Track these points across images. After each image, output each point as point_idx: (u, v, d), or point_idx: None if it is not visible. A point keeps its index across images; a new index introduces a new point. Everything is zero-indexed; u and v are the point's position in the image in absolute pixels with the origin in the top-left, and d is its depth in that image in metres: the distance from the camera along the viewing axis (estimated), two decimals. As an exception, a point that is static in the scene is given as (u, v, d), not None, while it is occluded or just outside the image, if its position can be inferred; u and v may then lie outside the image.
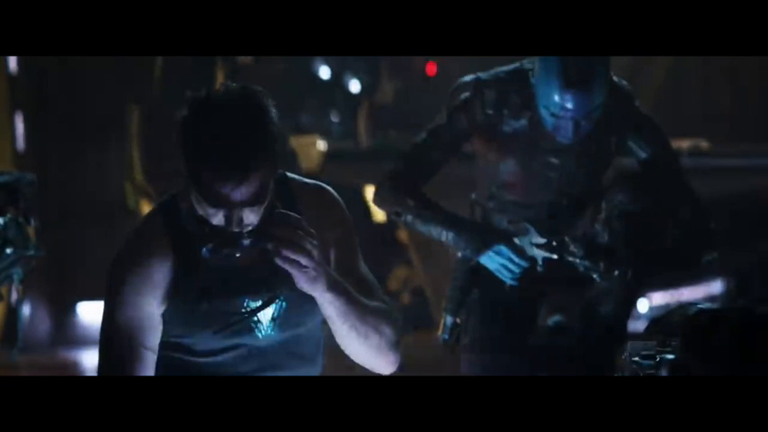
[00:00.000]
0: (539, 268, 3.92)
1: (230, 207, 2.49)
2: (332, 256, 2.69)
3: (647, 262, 3.95)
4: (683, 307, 2.49)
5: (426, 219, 3.95)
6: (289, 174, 2.74)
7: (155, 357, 2.64)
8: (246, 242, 2.52)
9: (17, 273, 3.63)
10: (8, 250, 3.59)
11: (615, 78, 3.94)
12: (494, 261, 3.92)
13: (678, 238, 3.99)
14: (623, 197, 3.94)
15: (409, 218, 3.97)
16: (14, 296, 3.72)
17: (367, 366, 2.70)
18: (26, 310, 7.64)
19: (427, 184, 4.00)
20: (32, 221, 3.63)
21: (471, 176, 4.11)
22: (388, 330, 2.64)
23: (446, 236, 3.95)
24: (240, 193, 2.47)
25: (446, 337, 4.06)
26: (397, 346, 2.67)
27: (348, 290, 2.58)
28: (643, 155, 4.04)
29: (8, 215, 3.59)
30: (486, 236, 3.94)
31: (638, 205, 3.95)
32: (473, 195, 4.12)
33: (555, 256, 3.90)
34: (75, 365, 8.24)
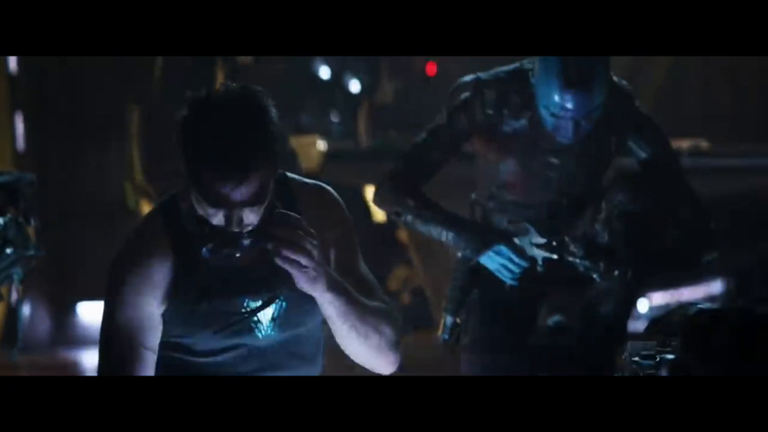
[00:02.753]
0: (539, 268, 3.92)
1: (230, 207, 2.49)
2: (332, 256, 2.69)
3: (647, 262, 3.95)
4: (683, 307, 2.49)
5: (426, 219, 3.95)
6: (289, 174, 2.74)
7: (155, 357, 2.64)
8: (246, 242, 2.52)
9: (17, 273, 3.63)
10: (8, 250, 3.59)
11: (615, 78, 3.94)
12: (494, 261, 3.92)
13: (678, 238, 3.99)
14: (623, 197, 3.95)
15: (409, 218, 3.97)
16: (14, 296, 3.73)
17: (367, 366, 2.70)
18: (26, 310, 7.64)
19: (427, 184, 4.00)
20: (32, 221, 3.63)
21: (471, 176, 4.11)
22: (388, 330, 2.64)
23: (446, 236, 3.95)
24: (240, 193, 2.47)
25: (446, 337, 4.06)
26: (397, 346, 2.67)
27: (348, 290, 2.58)
28: (643, 155, 4.04)
29: (8, 215, 3.60)
30: (486, 236, 3.94)
31: (638, 205, 3.95)
32: (473, 195, 4.12)
33: (555, 256, 3.90)
34: (75, 365, 8.24)
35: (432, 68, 10.58)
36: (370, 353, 2.65)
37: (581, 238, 3.94)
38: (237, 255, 2.54)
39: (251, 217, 2.51)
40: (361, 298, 2.61)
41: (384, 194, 4.00)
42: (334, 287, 2.54)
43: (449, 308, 4.07)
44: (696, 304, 2.48)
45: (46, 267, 7.91)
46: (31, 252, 3.64)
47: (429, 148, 3.96)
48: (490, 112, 3.90)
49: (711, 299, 7.05)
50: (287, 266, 2.49)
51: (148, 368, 2.63)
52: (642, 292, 5.84)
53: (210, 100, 2.50)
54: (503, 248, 3.91)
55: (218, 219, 2.52)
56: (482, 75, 3.93)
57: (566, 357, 4.02)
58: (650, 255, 3.95)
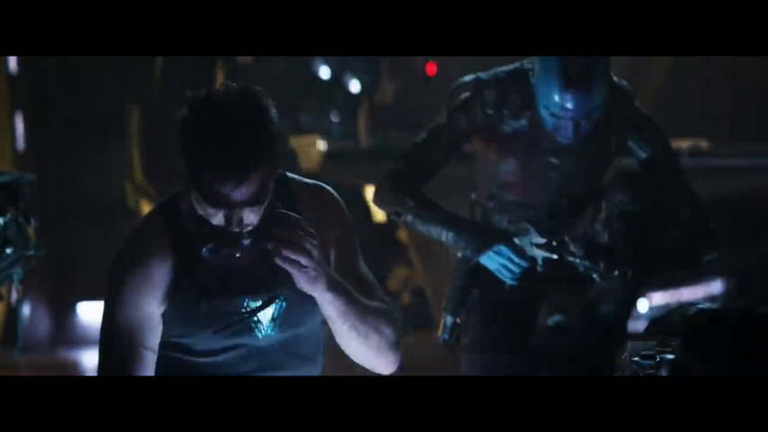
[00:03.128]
0: (539, 268, 3.92)
1: (230, 207, 2.49)
2: (332, 257, 2.69)
3: (647, 262, 3.95)
4: (683, 307, 2.49)
5: (426, 219, 3.95)
6: (289, 174, 2.74)
7: (155, 357, 2.64)
8: (246, 242, 2.52)
9: (17, 273, 3.63)
10: (8, 250, 3.59)
11: (615, 78, 3.94)
12: (494, 261, 3.92)
13: (678, 238, 3.99)
14: (623, 197, 3.95)
15: (409, 218, 3.97)
16: (14, 296, 3.72)
17: (367, 366, 2.70)
18: (26, 310, 7.63)
19: (427, 184, 4.00)
20: (32, 221, 3.63)
21: (471, 176, 4.11)
22: (388, 330, 2.65)
23: (446, 236, 3.95)
24: (240, 193, 2.47)
25: (446, 337, 4.06)
26: (397, 345, 2.67)
27: (348, 290, 2.58)
28: (643, 155, 4.04)
29: (8, 215, 3.59)
30: (487, 236, 3.94)
31: (638, 205, 3.95)
32: (473, 195, 4.12)
33: (555, 257, 3.90)
34: (75, 365, 8.24)
35: (432, 68, 10.58)
36: (370, 353, 2.65)
37: (581, 238, 3.94)
38: (237, 255, 2.54)
39: (251, 217, 2.51)
40: (361, 298, 2.61)
41: (384, 194, 4.00)
42: (334, 287, 2.54)
43: (449, 308, 4.07)
44: (696, 304, 2.48)
45: (46, 267, 7.91)
46: (31, 252, 3.64)
47: (429, 148, 3.96)
48: (490, 112, 3.90)
49: (711, 299, 7.05)
50: (287, 266, 2.49)
51: (148, 368, 2.63)
52: (642, 292, 5.85)
53: (210, 100, 2.50)
54: (503, 248, 3.91)
55: (218, 219, 2.52)
56: (482, 75, 3.93)
57: (566, 357, 4.02)
58: (650, 255, 3.95)
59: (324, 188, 2.77)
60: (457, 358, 4.09)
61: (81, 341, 8.42)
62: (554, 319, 4.05)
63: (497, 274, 3.93)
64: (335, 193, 2.76)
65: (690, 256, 4.05)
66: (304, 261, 2.48)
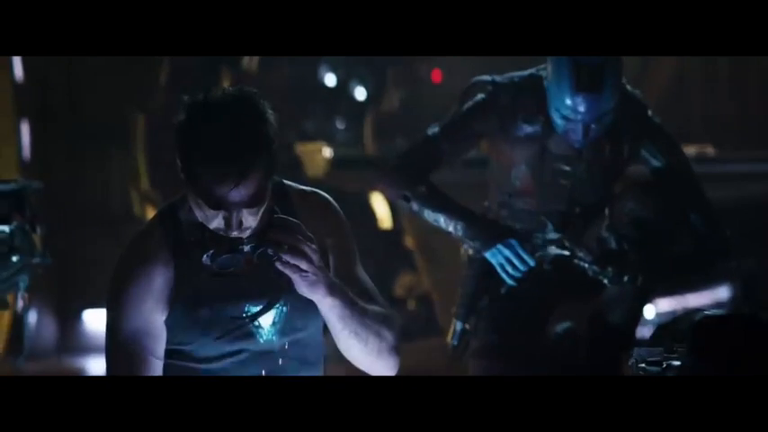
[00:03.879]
0: (546, 266, 3.91)
1: (229, 209, 2.49)
2: (330, 262, 2.69)
3: (657, 268, 3.94)
4: (689, 313, 2.49)
5: (437, 207, 3.93)
6: (286, 181, 2.74)
7: (161, 365, 2.64)
8: (247, 248, 2.52)
9: (23, 280, 3.63)
10: (14, 258, 3.60)
11: (628, 88, 3.94)
12: (499, 255, 3.89)
13: (691, 245, 3.98)
14: (634, 204, 3.94)
15: (416, 204, 3.94)
16: (20, 303, 3.73)
17: (367, 370, 2.70)
18: (32, 317, 7.64)
19: (432, 177, 3.99)
20: (38, 229, 3.64)
21: (483, 184, 4.11)
22: (387, 334, 2.65)
23: (455, 226, 3.92)
24: (238, 193, 2.48)
25: (455, 343, 4.05)
26: (396, 350, 2.67)
27: (348, 294, 2.58)
28: (657, 164, 4.04)
29: (14, 223, 3.60)
30: (499, 228, 3.92)
31: (650, 213, 3.95)
32: (485, 203, 4.11)
33: (567, 253, 3.88)
34: (80, 373, 8.24)
35: (437, 76, 10.59)
36: (370, 357, 2.65)
37: (593, 242, 3.93)
38: (238, 260, 2.54)
39: (249, 219, 2.52)
40: (361, 302, 2.61)
41: (391, 180, 3.98)
42: (334, 292, 2.54)
43: (458, 314, 4.06)
44: (702, 310, 2.48)
45: (52, 275, 7.91)
46: (38, 260, 3.65)
47: (439, 143, 3.95)
48: (504, 114, 3.90)
49: (718, 305, 7.04)
50: (287, 271, 2.50)
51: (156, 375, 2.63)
52: (651, 298, 5.84)
53: (207, 102, 2.51)
54: (514, 242, 3.88)
55: (217, 221, 2.52)
56: (497, 78, 3.93)
57: (574, 364, 4.01)
58: (661, 261, 3.95)
59: (321, 195, 2.77)
60: (465, 364, 4.09)
61: (87, 348, 8.41)
62: (563, 325, 4.05)
63: (499, 269, 3.90)
64: (332, 200, 2.77)
65: (702, 264, 4.05)
66: (304, 266, 2.49)
